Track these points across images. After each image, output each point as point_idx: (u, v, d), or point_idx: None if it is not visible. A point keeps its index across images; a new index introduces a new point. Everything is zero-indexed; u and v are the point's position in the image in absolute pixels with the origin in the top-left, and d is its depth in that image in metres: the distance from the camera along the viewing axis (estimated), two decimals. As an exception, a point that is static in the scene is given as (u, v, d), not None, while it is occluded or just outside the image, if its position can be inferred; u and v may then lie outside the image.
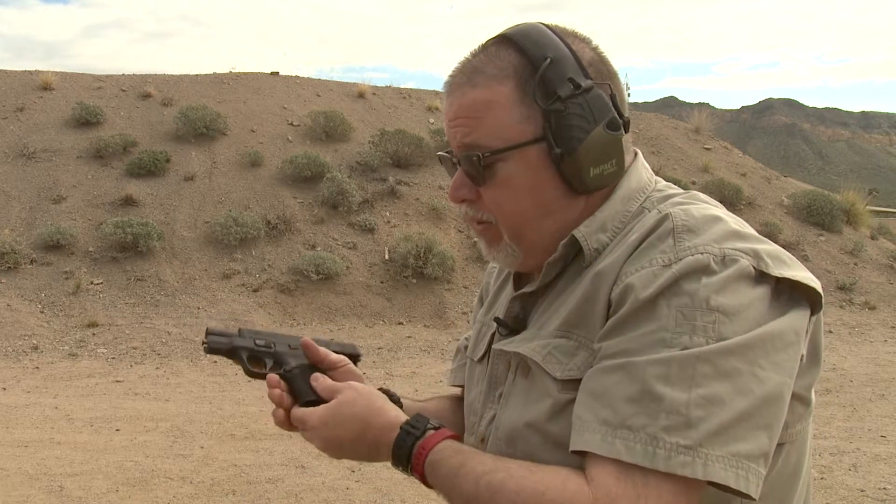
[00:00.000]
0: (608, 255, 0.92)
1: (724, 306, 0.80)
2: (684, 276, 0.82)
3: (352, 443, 0.98)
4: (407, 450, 0.91)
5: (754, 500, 0.79)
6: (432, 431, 0.92)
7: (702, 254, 0.83)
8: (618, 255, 0.89)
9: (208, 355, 1.16)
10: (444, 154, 1.01)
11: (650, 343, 0.80)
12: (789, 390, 0.83)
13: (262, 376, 1.11)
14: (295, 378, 1.10)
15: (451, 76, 0.98)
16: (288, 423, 1.08)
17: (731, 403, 0.77)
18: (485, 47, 0.97)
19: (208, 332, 1.13)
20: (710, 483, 0.78)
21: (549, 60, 0.91)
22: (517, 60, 0.93)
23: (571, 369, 0.88)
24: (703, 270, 0.82)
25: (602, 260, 0.92)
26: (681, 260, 0.83)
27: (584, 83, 0.91)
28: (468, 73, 0.95)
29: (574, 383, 0.88)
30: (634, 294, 0.83)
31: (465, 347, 1.19)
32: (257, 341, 1.14)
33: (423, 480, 0.91)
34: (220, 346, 1.13)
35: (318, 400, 1.07)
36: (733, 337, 0.79)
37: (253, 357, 1.13)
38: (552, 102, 0.90)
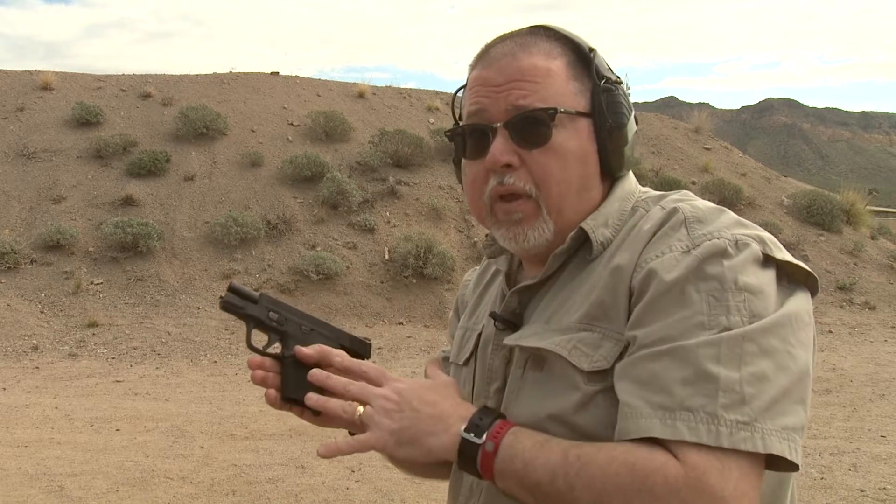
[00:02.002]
0: (620, 249, 0.94)
1: (750, 286, 0.84)
2: (706, 260, 0.86)
3: (420, 414, 0.92)
4: (490, 420, 0.89)
5: (798, 469, 0.83)
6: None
7: (718, 239, 0.87)
8: (634, 248, 0.93)
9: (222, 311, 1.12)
10: (476, 124, 0.98)
11: (689, 328, 0.83)
12: (812, 367, 0.88)
13: (260, 353, 1.08)
14: (288, 367, 1.06)
15: (495, 45, 1.00)
16: (278, 403, 1.06)
17: (774, 380, 0.81)
18: (529, 30, 1.01)
19: (229, 289, 1.09)
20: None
21: (593, 51, 1.00)
22: (564, 44, 0.99)
23: (598, 360, 0.90)
24: (722, 254, 0.86)
25: (616, 253, 0.94)
26: (699, 245, 0.87)
27: (620, 78, 1.01)
28: (521, 44, 0.98)
29: (601, 374, 0.89)
30: (658, 278, 0.86)
31: (445, 359, 1.20)
32: (271, 314, 1.09)
33: (488, 456, 0.87)
34: (234, 308, 1.09)
35: (300, 400, 1.04)
36: (763, 313, 0.84)
37: (261, 327, 1.10)
38: (604, 82, 0.99)
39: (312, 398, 0.98)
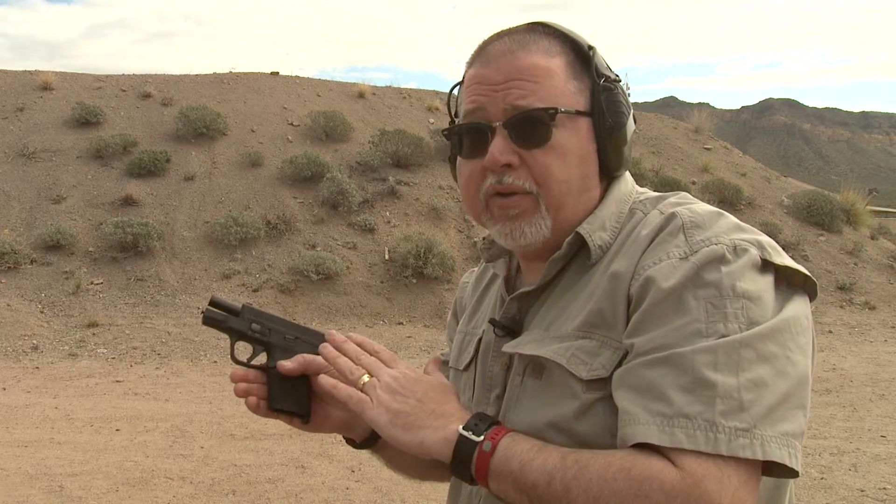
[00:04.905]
0: (618, 254, 0.94)
1: (748, 292, 0.84)
2: (704, 267, 0.85)
3: (417, 406, 0.93)
4: (487, 424, 0.89)
5: (798, 476, 0.82)
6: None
7: (716, 244, 0.86)
8: (632, 254, 0.92)
9: (204, 326, 1.11)
10: (474, 123, 0.97)
11: (686, 335, 0.82)
12: (811, 372, 0.87)
13: (244, 365, 1.08)
14: (274, 378, 1.05)
15: (494, 42, 0.99)
16: (263, 411, 1.06)
17: (773, 386, 0.80)
18: (527, 27, 1.00)
19: (211, 303, 1.08)
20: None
21: (592, 49, 0.99)
22: (563, 42, 0.99)
23: (596, 369, 0.89)
24: (720, 260, 0.85)
25: (614, 260, 0.93)
26: (697, 252, 0.86)
27: (618, 76, 1.01)
28: (521, 42, 0.97)
29: (599, 382, 0.89)
30: (656, 286, 0.86)
31: (444, 363, 1.19)
32: (253, 326, 1.08)
33: (484, 456, 0.86)
34: (216, 322, 1.08)
35: (287, 410, 1.05)
36: (761, 320, 0.83)
37: (244, 339, 1.08)
38: (604, 81, 0.98)
39: (325, 379, 0.98)
